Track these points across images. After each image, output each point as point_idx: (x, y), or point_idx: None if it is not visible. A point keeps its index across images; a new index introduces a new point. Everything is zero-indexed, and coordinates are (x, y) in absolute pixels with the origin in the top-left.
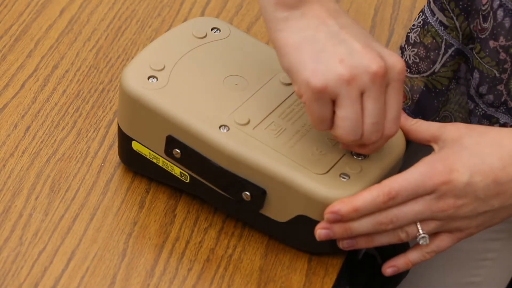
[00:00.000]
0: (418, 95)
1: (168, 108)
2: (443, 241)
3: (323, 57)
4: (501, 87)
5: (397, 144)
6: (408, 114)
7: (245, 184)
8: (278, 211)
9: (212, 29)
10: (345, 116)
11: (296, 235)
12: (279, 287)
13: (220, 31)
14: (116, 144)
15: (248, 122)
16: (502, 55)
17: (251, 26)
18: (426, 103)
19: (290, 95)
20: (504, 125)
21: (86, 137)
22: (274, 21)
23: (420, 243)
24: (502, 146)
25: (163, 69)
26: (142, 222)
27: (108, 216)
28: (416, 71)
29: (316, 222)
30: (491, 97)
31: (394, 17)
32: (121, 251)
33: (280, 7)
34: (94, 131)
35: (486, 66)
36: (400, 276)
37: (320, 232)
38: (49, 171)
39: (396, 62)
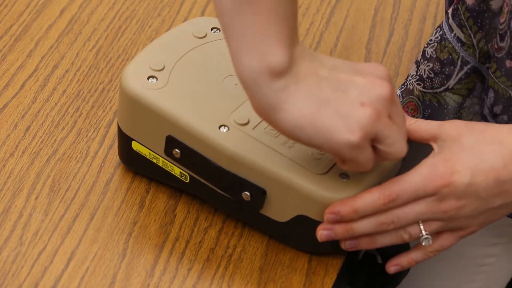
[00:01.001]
0: (429, 110)
1: (168, 108)
2: (445, 240)
3: (344, 111)
4: None
5: None
6: None
7: (245, 184)
8: (278, 211)
9: (212, 29)
10: (391, 142)
11: (296, 235)
12: (279, 287)
13: (220, 31)
14: (116, 144)
15: (248, 122)
16: None
17: None
18: (437, 119)
19: None
20: None
21: (86, 137)
22: (273, 95)
23: (423, 244)
24: (502, 144)
25: (163, 69)
26: (142, 222)
27: (108, 216)
28: (430, 86)
29: (316, 222)
30: (505, 117)
31: (394, 17)
32: (121, 251)
33: (274, 76)
34: (94, 131)
35: (502, 86)
36: (400, 276)
37: (322, 233)
38: (49, 171)
39: (382, 73)
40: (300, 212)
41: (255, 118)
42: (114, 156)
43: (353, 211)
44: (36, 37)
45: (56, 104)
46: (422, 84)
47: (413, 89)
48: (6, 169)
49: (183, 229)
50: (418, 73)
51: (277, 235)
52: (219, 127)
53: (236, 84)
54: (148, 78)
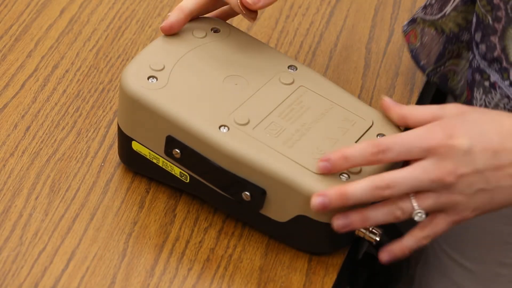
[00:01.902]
0: (426, 37)
1: (168, 108)
2: (438, 224)
3: None
4: (494, 39)
5: None
6: (414, 56)
7: (245, 184)
8: (278, 211)
9: (212, 29)
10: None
11: (296, 235)
12: (279, 287)
13: (220, 31)
14: (116, 144)
15: (248, 122)
16: (497, 0)
17: (251, 26)
18: (432, 45)
19: (290, 94)
20: (493, 84)
21: (86, 137)
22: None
23: (416, 219)
24: (502, 125)
25: (163, 69)
26: (142, 222)
27: (108, 216)
28: (430, 12)
29: (316, 222)
30: (483, 47)
31: (394, 17)
32: (121, 251)
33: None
34: (94, 131)
35: (482, 10)
36: (400, 276)
37: (315, 199)
38: (49, 171)
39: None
40: (300, 212)
41: (255, 118)
42: (114, 156)
43: (342, 157)
44: (36, 37)
45: (56, 104)
46: (424, 11)
47: (416, 17)
48: (6, 169)
49: (183, 229)
50: (424, 3)
51: (277, 235)
52: (219, 127)
53: (236, 84)
54: (148, 78)
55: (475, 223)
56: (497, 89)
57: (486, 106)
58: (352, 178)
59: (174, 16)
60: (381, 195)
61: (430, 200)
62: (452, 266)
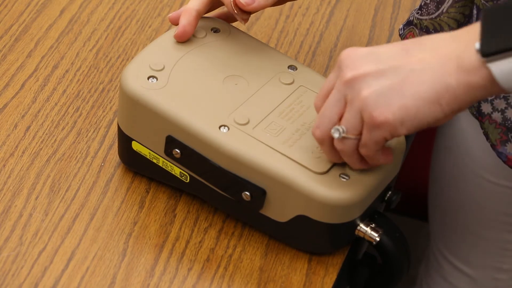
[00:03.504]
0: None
1: (168, 108)
2: (364, 136)
3: None
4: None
5: (397, 144)
6: None
7: (245, 184)
8: (278, 211)
9: (212, 29)
10: None
11: (296, 235)
12: (279, 287)
13: (220, 31)
14: (116, 144)
15: (248, 122)
16: None
17: (251, 26)
18: None
19: (290, 94)
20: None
21: (86, 137)
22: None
23: (333, 133)
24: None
25: (163, 69)
26: (142, 222)
27: (108, 216)
28: (426, 12)
29: (316, 222)
30: None
31: (394, 17)
32: (121, 251)
33: None
34: (94, 131)
35: (482, 1)
36: (400, 276)
37: None
38: (49, 171)
39: None
40: (300, 212)
41: (255, 118)
42: (114, 156)
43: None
44: (36, 37)
45: (56, 104)
46: (420, 12)
47: (413, 19)
48: (6, 169)
49: (183, 229)
50: (420, 4)
51: (277, 235)
52: (219, 127)
53: (236, 84)
54: (148, 78)
55: (474, 230)
56: None
57: (497, 95)
58: (352, 178)
59: (184, 20)
60: (315, 138)
61: (349, 114)
62: (451, 271)
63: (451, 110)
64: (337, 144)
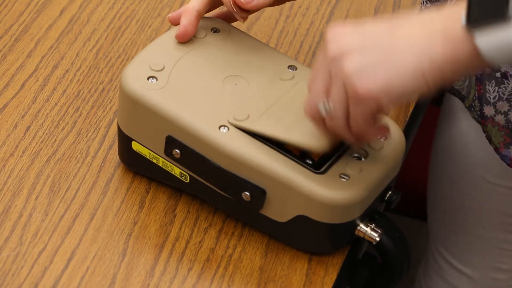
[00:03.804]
0: None
1: (168, 108)
2: (351, 108)
3: None
4: None
5: (397, 144)
6: None
7: (245, 184)
8: (278, 211)
9: (212, 29)
10: None
11: (296, 235)
12: (279, 287)
13: (220, 31)
14: (116, 144)
15: (248, 117)
16: None
17: (251, 26)
18: None
19: (290, 89)
20: (505, 73)
21: (86, 137)
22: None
23: (320, 108)
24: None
25: (163, 69)
26: (142, 222)
27: (108, 216)
28: None
29: (316, 222)
30: None
31: None
32: (121, 251)
33: None
34: (94, 131)
35: None
36: (400, 276)
37: None
38: (49, 171)
39: None
40: (300, 212)
41: (255, 113)
42: (114, 156)
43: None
44: (36, 37)
45: (56, 104)
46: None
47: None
48: (6, 169)
49: (183, 229)
50: (420, 7)
51: (277, 235)
52: (219, 127)
53: (236, 84)
54: (148, 78)
55: (473, 230)
56: (509, 78)
57: (500, 97)
58: (352, 179)
59: (185, 20)
60: (306, 116)
61: (332, 89)
62: (450, 271)
63: (434, 84)
64: (328, 122)
